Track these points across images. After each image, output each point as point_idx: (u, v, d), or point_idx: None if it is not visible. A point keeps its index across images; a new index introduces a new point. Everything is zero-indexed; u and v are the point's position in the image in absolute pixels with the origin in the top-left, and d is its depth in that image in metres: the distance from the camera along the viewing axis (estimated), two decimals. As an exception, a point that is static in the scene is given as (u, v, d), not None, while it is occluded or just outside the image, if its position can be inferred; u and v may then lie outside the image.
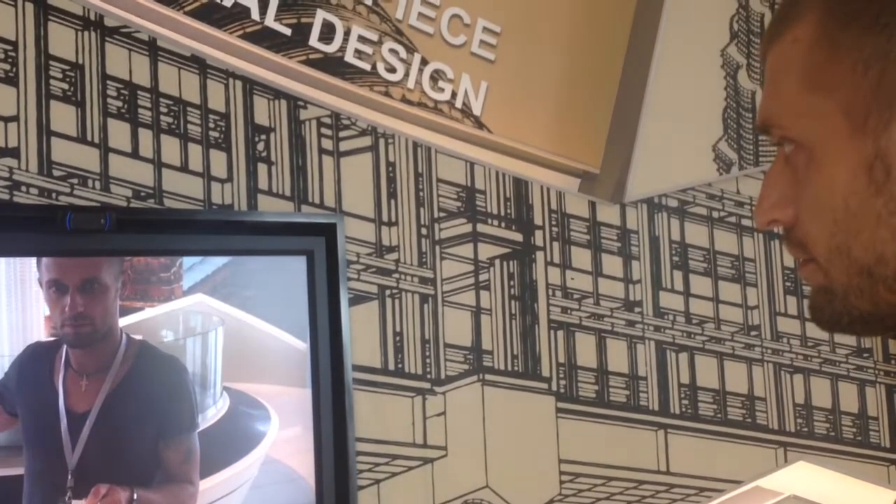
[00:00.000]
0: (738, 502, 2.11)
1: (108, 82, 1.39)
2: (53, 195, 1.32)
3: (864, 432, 2.22)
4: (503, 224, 1.80)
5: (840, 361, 2.22)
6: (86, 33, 1.37)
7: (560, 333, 1.85)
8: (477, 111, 1.79)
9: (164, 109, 1.44)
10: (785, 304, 2.16)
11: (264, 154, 1.54)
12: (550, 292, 1.85)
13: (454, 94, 1.76)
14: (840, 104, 0.57)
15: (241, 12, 1.53)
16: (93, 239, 1.26)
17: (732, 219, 2.12)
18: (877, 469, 2.23)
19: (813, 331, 2.18)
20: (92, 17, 1.39)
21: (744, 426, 2.07)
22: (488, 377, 1.75)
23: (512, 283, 1.80)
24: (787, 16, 0.62)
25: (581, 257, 1.90)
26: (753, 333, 2.11)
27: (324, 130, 1.61)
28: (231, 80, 1.51)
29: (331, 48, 1.62)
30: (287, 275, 1.47)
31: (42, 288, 1.24)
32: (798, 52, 0.60)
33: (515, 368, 1.78)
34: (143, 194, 1.40)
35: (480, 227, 1.77)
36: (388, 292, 1.65)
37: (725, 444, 2.04)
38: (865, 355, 2.25)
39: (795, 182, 0.62)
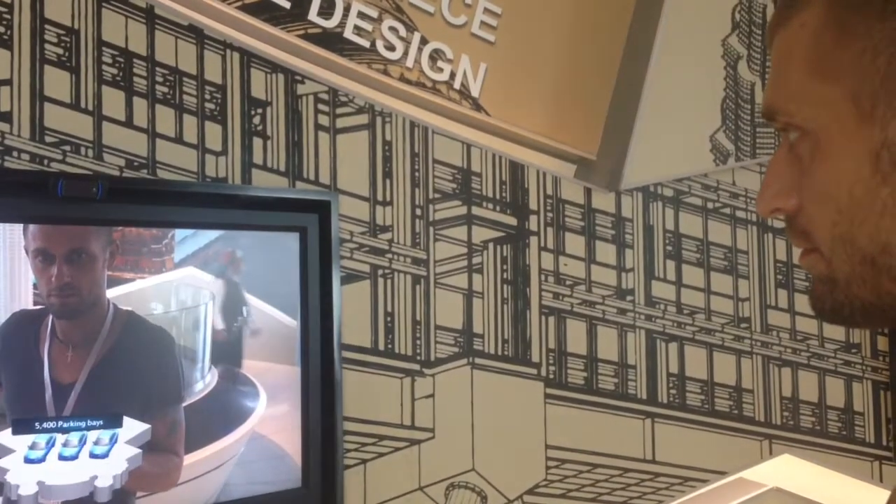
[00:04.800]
0: (722, 493, 2.12)
1: (104, 49, 1.37)
2: (45, 161, 1.30)
3: (850, 427, 2.24)
4: (498, 207, 1.79)
5: (828, 356, 2.23)
6: (82, -2, 1.35)
7: (551, 319, 1.84)
8: (475, 93, 1.78)
9: (159, 79, 1.42)
10: (776, 298, 2.16)
11: (260, 128, 1.52)
12: (543, 278, 1.84)
13: (453, 75, 1.75)
14: (847, 91, 0.56)
15: (241, -17, 1.51)
16: (84, 207, 1.24)
17: (727, 210, 2.12)
18: (861, 464, 2.24)
19: (803, 325, 2.18)
20: (89, -19, 1.37)
21: (730, 417, 2.08)
22: (478, 361, 1.74)
23: (505, 267, 1.79)
24: (795, 0, 0.61)
25: (575, 244, 1.89)
26: (743, 325, 2.11)
27: (321, 106, 1.59)
28: (228, 52, 1.49)
29: (330, 23, 1.60)
30: (279, 251, 1.46)
31: (28, 257, 1.22)
32: (805, 38, 0.59)
33: (505, 353, 1.78)
34: (136, 164, 1.39)
35: (475, 210, 1.76)
36: (380, 272, 1.63)
37: (712, 435, 2.05)
38: (854, 351, 2.26)
39: (800, 170, 0.61)
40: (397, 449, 1.63)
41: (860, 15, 0.56)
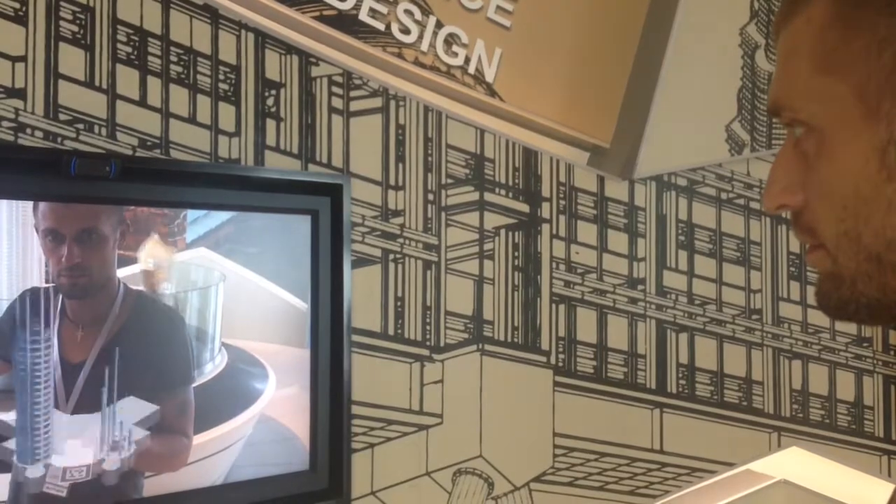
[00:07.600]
0: (730, 484, 2.11)
1: (119, 27, 1.36)
2: (59, 139, 1.30)
3: (859, 421, 2.23)
4: (510, 194, 1.78)
5: (839, 349, 2.21)
6: (97, -24, 1.34)
7: (561, 307, 1.84)
8: (490, 78, 1.76)
9: (174, 58, 1.41)
10: (788, 290, 2.15)
11: (273, 109, 1.51)
12: (554, 265, 1.83)
13: (467, 60, 1.73)
14: (853, 87, 0.56)
15: (256, -37, 1.50)
16: (97, 186, 1.24)
17: (741, 201, 2.11)
18: (870, 458, 2.23)
19: (814, 317, 2.17)
20: (104, -41, 1.36)
21: (740, 409, 2.07)
22: (487, 347, 1.74)
23: (516, 254, 1.78)
24: None
25: (587, 232, 1.88)
26: (755, 317, 2.10)
27: (335, 89, 1.58)
28: (243, 33, 1.48)
29: (345, 5, 1.59)
30: (291, 233, 1.46)
31: (39, 236, 1.21)
32: (811, 33, 0.59)
33: (515, 340, 1.77)
34: (149, 143, 1.38)
35: (487, 196, 1.75)
36: (391, 256, 1.63)
37: (720, 426, 2.04)
38: (865, 345, 2.25)
39: (805, 166, 0.60)
40: (405, 434, 1.63)
41: (865, 10, 0.56)
